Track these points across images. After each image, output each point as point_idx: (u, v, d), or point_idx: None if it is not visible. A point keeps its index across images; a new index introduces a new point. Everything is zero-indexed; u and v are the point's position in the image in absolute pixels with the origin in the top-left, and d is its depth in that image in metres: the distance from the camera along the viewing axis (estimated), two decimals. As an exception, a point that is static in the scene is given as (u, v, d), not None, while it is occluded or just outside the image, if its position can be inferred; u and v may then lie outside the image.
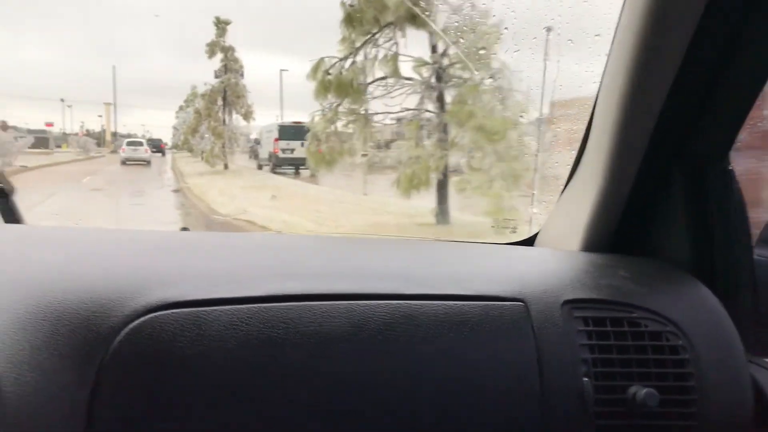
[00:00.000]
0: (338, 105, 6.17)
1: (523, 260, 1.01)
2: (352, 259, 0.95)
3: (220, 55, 17.97)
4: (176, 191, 12.06)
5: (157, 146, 24.90)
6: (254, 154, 23.60)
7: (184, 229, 1.39)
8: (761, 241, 1.03)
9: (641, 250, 1.03)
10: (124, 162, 18.66)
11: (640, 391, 0.77)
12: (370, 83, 6.10)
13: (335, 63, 6.11)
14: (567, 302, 0.82)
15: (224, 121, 18.01)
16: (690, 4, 0.78)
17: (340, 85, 5.93)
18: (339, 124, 6.46)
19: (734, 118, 0.91)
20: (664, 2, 0.79)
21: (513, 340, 0.77)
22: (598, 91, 1.00)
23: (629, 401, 0.78)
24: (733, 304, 0.89)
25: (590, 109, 1.03)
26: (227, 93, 17.97)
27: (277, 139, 18.94)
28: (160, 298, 0.70)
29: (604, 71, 0.97)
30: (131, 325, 0.67)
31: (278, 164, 18.92)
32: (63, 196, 9.86)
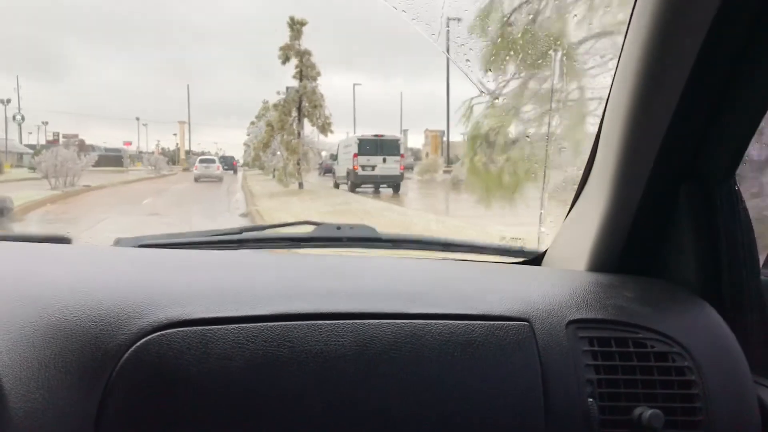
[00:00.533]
0: (528, 80, 3.21)
1: (529, 279, 1.02)
2: (359, 278, 0.96)
3: (294, 61, 16.13)
4: (244, 215, 10.23)
5: (229, 164, 24.86)
6: (325, 170, 21.81)
7: None
8: None
9: (648, 271, 1.03)
10: (197, 179, 18.55)
11: (646, 412, 0.77)
12: (583, 41, 3.10)
13: (519, 5, 3.27)
14: (572, 322, 0.83)
15: (298, 134, 16.08)
16: (695, 25, 0.79)
17: (536, 43, 3.07)
18: (525, 116, 3.49)
19: (740, 138, 0.91)
20: (668, 25, 0.80)
21: (518, 360, 0.78)
22: (604, 112, 1.00)
23: (634, 422, 0.78)
24: (739, 325, 0.90)
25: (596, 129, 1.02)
26: (302, 102, 16.05)
27: (356, 155, 16.84)
28: (168, 317, 0.72)
29: (610, 92, 0.97)
30: (138, 343, 0.70)
31: (358, 183, 16.82)
32: (112, 223, 8.33)
